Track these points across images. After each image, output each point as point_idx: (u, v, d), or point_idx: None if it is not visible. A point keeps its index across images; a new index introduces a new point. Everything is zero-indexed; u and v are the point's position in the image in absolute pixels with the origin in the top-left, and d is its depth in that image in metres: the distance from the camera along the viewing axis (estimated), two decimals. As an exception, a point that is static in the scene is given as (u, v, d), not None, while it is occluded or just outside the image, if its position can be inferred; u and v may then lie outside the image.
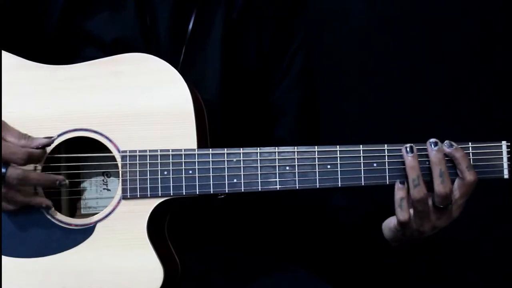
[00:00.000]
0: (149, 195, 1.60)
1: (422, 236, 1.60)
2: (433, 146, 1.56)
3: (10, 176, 1.54)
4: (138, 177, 1.60)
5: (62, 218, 1.62)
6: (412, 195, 1.55)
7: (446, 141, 1.57)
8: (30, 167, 1.61)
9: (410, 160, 1.56)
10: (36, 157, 1.58)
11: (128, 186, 1.60)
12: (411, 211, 1.57)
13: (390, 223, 1.63)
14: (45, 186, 1.61)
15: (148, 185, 1.60)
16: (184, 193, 1.59)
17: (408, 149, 1.56)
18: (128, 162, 1.60)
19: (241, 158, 1.60)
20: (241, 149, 1.60)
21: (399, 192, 1.56)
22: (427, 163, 1.56)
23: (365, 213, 1.71)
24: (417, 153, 1.56)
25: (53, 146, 1.62)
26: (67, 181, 1.61)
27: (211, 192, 1.59)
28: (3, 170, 1.53)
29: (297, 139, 1.84)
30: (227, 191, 1.60)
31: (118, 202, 1.61)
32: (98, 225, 1.60)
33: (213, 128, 1.67)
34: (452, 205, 1.57)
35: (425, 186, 1.55)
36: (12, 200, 1.59)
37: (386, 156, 1.57)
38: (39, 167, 1.62)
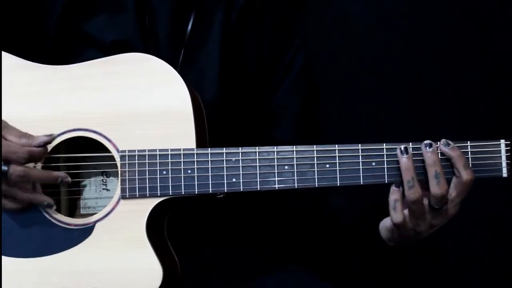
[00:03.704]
0: (148, 195, 1.60)
1: (419, 236, 1.59)
2: (428, 148, 1.55)
3: (13, 174, 1.53)
4: (137, 176, 1.60)
5: (61, 218, 1.62)
6: (407, 196, 1.54)
7: (443, 140, 1.56)
8: (30, 165, 1.61)
9: (404, 161, 1.55)
10: (37, 156, 1.58)
11: (127, 186, 1.60)
12: (406, 212, 1.56)
13: (386, 223, 1.63)
14: (47, 183, 1.61)
15: (147, 185, 1.60)
16: (183, 193, 1.59)
17: (402, 149, 1.56)
18: (127, 162, 1.61)
19: (240, 158, 1.60)
20: (240, 148, 1.60)
21: (393, 195, 1.56)
22: (422, 162, 1.55)
23: (362, 213, 1.71)
24: (412, 153, 1.56)
25: (52, 145, 1.62)
26: (69, 178, 1.60)
27: (210, 191, 1.59)
28: (5, 168, 1.53)
29: (297, 140, 1.83)
30: (226, 191, 1.60)
31: (117, 202, 1.61)
32: (97, 225, 1.61)
33: (212, 128, 1.67)
34: (448, 205, 1.56)
35: (420, 187, 1.54)
36: (15, 198, 1.58)
37: (385, 155, 1.57)
38: (38, 167, 1.62)
